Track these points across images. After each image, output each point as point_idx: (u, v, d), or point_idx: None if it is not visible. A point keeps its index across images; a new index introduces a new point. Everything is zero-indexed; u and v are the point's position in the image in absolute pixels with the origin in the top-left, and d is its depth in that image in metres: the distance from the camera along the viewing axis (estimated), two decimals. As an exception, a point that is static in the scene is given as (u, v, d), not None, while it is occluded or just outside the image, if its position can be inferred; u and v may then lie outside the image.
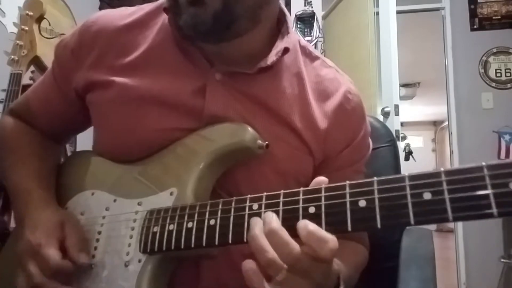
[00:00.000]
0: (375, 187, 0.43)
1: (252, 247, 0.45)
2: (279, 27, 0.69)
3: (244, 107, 0.63)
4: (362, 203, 0.43)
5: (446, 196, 0.39)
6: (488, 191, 0.38)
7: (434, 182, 0.40)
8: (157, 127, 0.63)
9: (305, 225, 0.43)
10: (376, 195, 0.43)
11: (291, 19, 0.70)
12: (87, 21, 0.71)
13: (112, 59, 0.66)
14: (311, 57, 0.72)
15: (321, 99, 0.68)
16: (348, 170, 0.69)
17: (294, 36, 0.70)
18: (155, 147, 0.63)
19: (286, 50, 0.65)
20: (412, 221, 0.40)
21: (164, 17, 0.68)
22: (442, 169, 0.41)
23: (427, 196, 0.40)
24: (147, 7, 0.71)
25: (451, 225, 5.33)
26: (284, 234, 0.44)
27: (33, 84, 0.80)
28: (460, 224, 3.06)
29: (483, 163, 0.39)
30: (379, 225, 0.42)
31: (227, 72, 0.63)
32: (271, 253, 0.43)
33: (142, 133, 0.63)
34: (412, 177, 0.42)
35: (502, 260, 2.71)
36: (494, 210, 0.37)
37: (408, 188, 0.41)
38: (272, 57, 0.64)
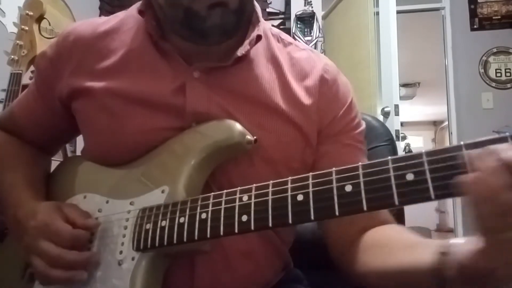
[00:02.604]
0: (360, 171, 0.44)
1: (493, 183, 0.37)
2: (249, 17, 0.70)
3: (225, 101, 0.64)
4: (348, 187, 0.44)
5: (428, 176, 0.41)
6: (468, 169, 0.39)
7: (416, 163, 0.42)
8: (142, 128, 0.63)
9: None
10: (362, 179, 0.44)
11: (259, 8, 0.71)
12: (64, 31, 0.72)
13: (92, 65, 0.67)
14: (284, 43, 0.73)
15: (299, 78, 0.69)
16: (346, 137, 0.69)
17: (264, 25, 0.71)
18: (143, 149, 0.64)
19: (258, 37, 0.67)
20: (396, 202, 0.42)
21: (139, 21, 0.69)
22: (423, 150, 0.42)
23: (409, 177, 0.42)
24: (120, 14, 0.73)
25: (451, 225, 5.32)
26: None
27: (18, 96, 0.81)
28: (460, 224, 3.06)
29: (462, 142, 0.40)
30: (365, 208, 0.43)
31: (204, 69, 0.64)
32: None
33: (128, 136, 0.64)
34: (395, 160, 0.43)
35: (502, 260, 2.72)
36: None
37: (391, 170, 0.43)
38: (246, 46, 0.65)
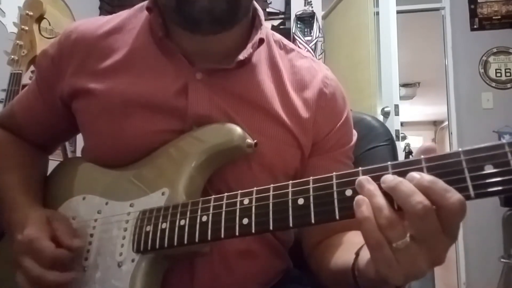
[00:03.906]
0: (361, 176, 0.44)
1: (373, 204, 0.42)
2: (252, 21, 0.70)
3: (227, 104, 0.64)
4: (349, 192, 0.44)
5: None
6: (465, 175, 0.40)
7: (416, 169, 0.42)
8: (143, 130, 0.63)
9: (421, 175, 0.40)
10: None
11: (262, 12, 0.71)
12: (66, 30, 0.71)
13: (94, 65, 0.67)
14: (286, 50, 0.73)
15: (299, 88, 0.69)
16: (338, 153, 0.70)
17: (267, 30, 0.71)
18: (144, 150, 0.64)
19: (261, 41, 0.66)
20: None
21: (142, 21, 0.68)
22: (422, 156, 0.42)
23: None
24: (123, 13, 0.73)
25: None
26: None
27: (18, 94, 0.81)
28: (460, 224, 3.05)
29: (460, 149, 0.41)
30: None
31: (207, 70, 0.64)
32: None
33: (128, 138, 0.64)
34: (395, 165, 0.43)
35: (502, 260, 2.72)
36: (471, 192, 0.39)
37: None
38: (249, 50, 0.65)
